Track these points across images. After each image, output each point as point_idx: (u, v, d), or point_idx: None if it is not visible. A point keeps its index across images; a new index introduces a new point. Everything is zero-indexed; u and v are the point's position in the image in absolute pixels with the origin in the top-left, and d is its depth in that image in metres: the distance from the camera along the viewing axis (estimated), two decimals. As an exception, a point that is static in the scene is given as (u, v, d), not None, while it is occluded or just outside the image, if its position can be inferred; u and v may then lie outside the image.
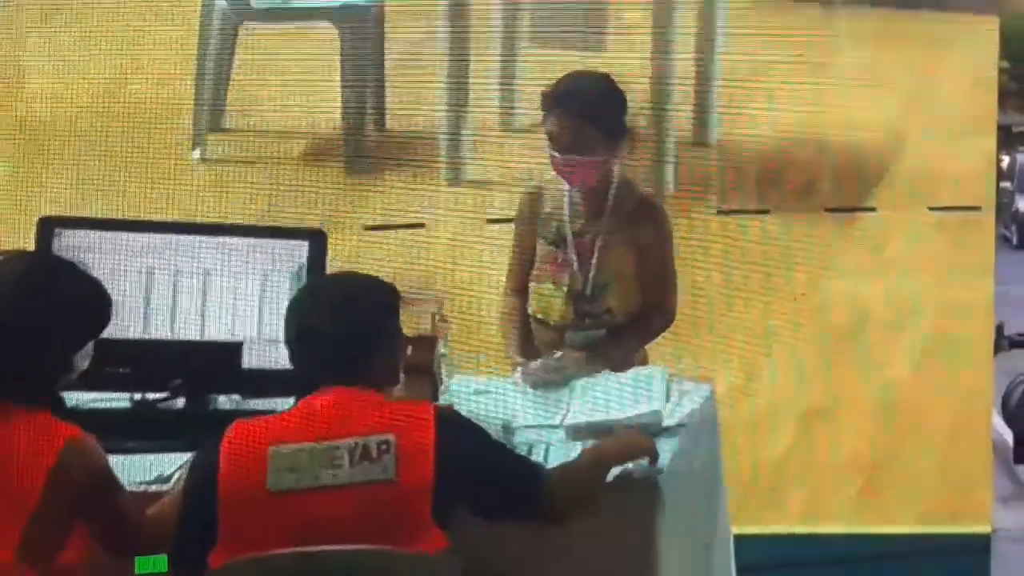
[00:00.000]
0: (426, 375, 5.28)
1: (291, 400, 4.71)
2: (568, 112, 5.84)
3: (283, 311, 5.04)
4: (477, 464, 4.69)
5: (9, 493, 4.45)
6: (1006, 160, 32.10)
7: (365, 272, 5.13)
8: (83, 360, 4.77)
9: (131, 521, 4.73)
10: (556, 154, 5.85)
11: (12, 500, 4.45)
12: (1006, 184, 31.00)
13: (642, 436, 5.23)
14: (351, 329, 4.76)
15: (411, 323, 5.23)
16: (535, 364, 5.83)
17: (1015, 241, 29.94)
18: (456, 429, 4.70)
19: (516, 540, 4.95)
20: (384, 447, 4.56)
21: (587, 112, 5.86)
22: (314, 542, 4.49)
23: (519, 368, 5.86)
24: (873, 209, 6.72)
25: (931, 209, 6.71)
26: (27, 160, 6.24)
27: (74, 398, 4.90)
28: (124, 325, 5.25)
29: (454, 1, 6.60)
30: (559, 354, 5.85)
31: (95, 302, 4.84)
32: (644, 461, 5.17)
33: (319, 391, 4.64)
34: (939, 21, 6.78)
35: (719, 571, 5.72)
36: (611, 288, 5.94)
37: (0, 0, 6.18)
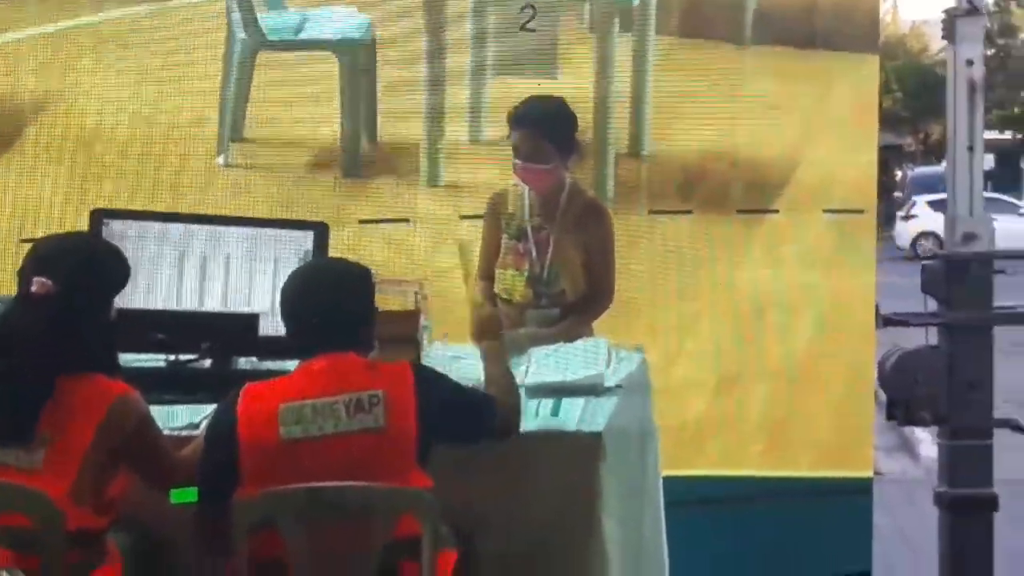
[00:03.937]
0: (410, 343, 5.29)
1: (297, 362, 4.72)
2: (529, 129, 5.89)
3: (290, 290, 5.31)
4: (448, 403, 4.70)
5: (66, 441, 4.45)
6: (898, 174, 31.86)
7: (353, 259, 5.07)
8: (112, 314, 4.74)
9: (168, 459, 4.75)
10: (519, 162, 5.92)
11: (68, 447, 4.44)
12: (898, 194, 29.47)
13: (482, 313, 5.28)
14: (339, 305, 4.75)
15: (398, 300, 5.39)
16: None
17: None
18: (429, 379, 4.73)
19: (480, 484, 4.95)
20: (375, 400, 4.54)
21: (544, 129, 5.91)
22: (321, 480, 4.53)
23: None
24: (776, 211, 6.69)
25: (824, 211, 6.67)
26: (80, 162, 6.10)
27: (120, 359, 4.86)
28: (160, 299, 5.34)
29: (432, 37, 6.48)
30: (522, 331, 5.88)
31: (113, 261, 4.83)
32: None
33: (315, 357, 4.67)
34: (829, 58, 6.68)
35: (650, 507, 5.72)
36: (563, 274, 5.99)
37: (56, 31, 6.07)
